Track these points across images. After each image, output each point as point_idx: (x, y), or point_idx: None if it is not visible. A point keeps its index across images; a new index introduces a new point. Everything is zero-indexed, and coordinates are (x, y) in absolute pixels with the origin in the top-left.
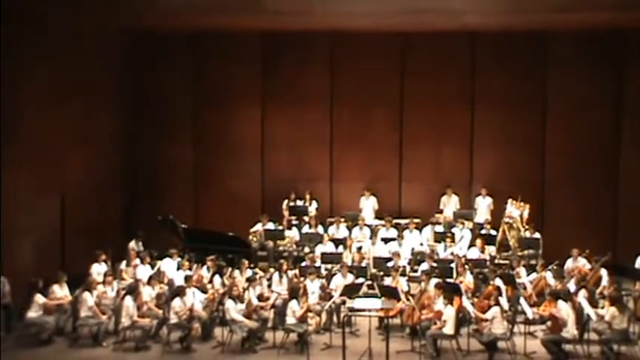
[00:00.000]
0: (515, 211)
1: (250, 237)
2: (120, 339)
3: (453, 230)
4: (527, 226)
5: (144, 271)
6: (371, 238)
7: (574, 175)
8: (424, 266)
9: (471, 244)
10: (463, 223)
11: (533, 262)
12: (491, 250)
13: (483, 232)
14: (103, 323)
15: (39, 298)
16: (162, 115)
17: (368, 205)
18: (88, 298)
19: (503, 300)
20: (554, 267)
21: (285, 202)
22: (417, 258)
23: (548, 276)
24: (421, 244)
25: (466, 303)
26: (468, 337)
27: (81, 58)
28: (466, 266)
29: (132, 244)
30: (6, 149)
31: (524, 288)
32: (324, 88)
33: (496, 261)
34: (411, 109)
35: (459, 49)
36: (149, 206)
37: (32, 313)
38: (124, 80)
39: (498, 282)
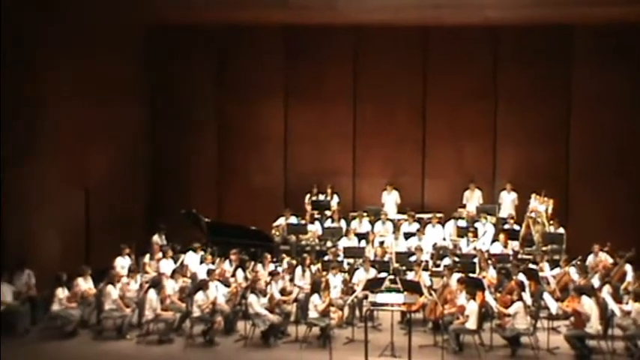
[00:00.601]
0: (541, 205)
1: (273, 231)
2: (143, 332)
3: (476, 225)
4: (551, 222)
5: (167, 265)
6: (393, 232)
7: (598, 170)
8: (447, 261)
9: (494, 239)
10: (486, 218)
11: (556, 257)
12: (514, 245)
13: (506, 227)
14: (126, 316)
15: (60, 292)
16: (185, 109)
17: (390, 199)
18: (112, 292)
19: (526, 295)
20: (578, 262)
21: (308, 196)
22: (439, 253)
23: (572, 271)
24: (444, 239)
25: (489, 298)
26: (491, 332)
27: (105, 53)
28: (489, 261)
29: (155, 237)
30: (31, 144)
31: (548, 283)
32: (347, 83)
33: (519, 256)
34: (433, 104)
35: (481, 44)
36: (172, 200)
37: (55, 307)
38: (148, 75)
39: (521, 277)
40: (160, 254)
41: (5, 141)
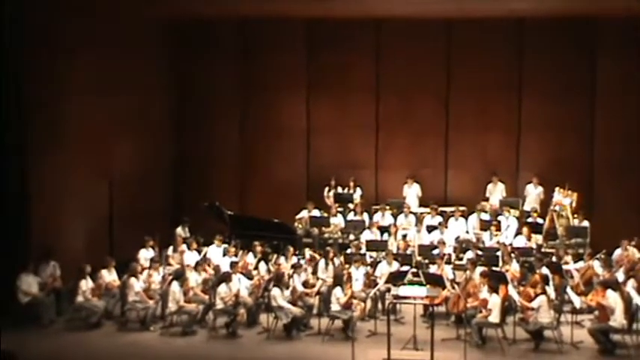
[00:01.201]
0: (565, 199)
1: (295, 224)
2: (167, 323)
3: (499, 218)
4: (575, 215)
5: (191, 257)
6: (416, 225)
7: (623, 163)
8: (469, 254)
9: (518, 233)
10: (509, 211)
11: (580, 250)
12: (537, 238)
13: (530, 220)
14: (150, 308)
15: (84, 284)
16: (209, 102)
17: (411, 192)
18: (135, 284)
19: (549, 289)
20: (602, 256)
21: (326, 189)
22: (462, 246)
23: (596, 265)
24: (466, 232)
25: (512, 291)
26: (514, 326)
27: (128, 46)
28: (512, 254)
29: (179, 230)
30: (56, 136)
31: (572, 277)
32: (370, 75)
33: (542, 249)
34: (456, 96)
35: (506, 36)
36: (196, 193)
37: (80, 298)
38: (172, 67)
39: (545, 271)
40: (184, 246)
41: (31, 133)
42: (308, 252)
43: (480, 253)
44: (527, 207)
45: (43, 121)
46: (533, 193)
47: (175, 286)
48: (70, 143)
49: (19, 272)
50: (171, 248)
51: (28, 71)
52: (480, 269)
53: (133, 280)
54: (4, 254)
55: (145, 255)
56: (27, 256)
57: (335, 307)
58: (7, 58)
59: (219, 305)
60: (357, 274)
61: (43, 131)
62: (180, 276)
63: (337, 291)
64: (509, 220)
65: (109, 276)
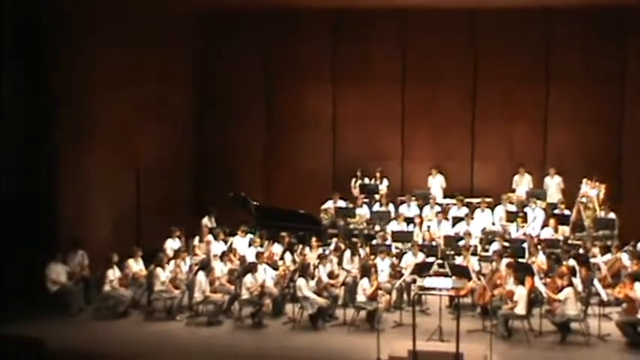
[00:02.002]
0: (592, 190)
1: (321, 214)
2: (193, 313)
3: (526, 210)
4: (602, 207)
5: (217, 248)
6: (437, 215)
7: None
8: (495, 246)
9: (544, 224)
10: (536, 203)
11: (608, 243)
12: (564, 230)
13: (557, 212)
14: (176, 298)
15: (112, 274)
16: (234, 93)
17: (435, 183)
18: (161, 274)
19: (576, 281)
20: (630, 248)
21: (353, 180)
22: (488, 237)
23: (624, 257)
24: (493, 224)
25: (538, 283)
26: (540, 318)
27: (152, 38)
28: (538, 246)
29: (205, 220)
30: (85, 127)
31: (599, 269)
32: (396, 65)
33: (569, 241)
34: (483, 86)
35: (533, 26)
36: (221, 183)
37: (107, 287)
38: (197, 59)
39: (572, 262)
40: (210, 237)
41: (58, 126)
42: (334, 242)
43: (506, 244)
44: (551, 199)
45: (70, 114)
46: (552, 184)
47: (201, 276)
48: (96, 135)
49: (48, 261)
50: (197, 238)
51: (53, 65)
52: (506, 261)
53: (159, 270)
54: (34, 244)
55: (172, 245)
56: (56, 246)
57: (360, 297)
58: (33, 53)
59: (245, 295)
60: (383, 265)
61: (70, 124)
62: (206, 266)
63: (364, 282)
64: (535, 212)
65: (136, 266)
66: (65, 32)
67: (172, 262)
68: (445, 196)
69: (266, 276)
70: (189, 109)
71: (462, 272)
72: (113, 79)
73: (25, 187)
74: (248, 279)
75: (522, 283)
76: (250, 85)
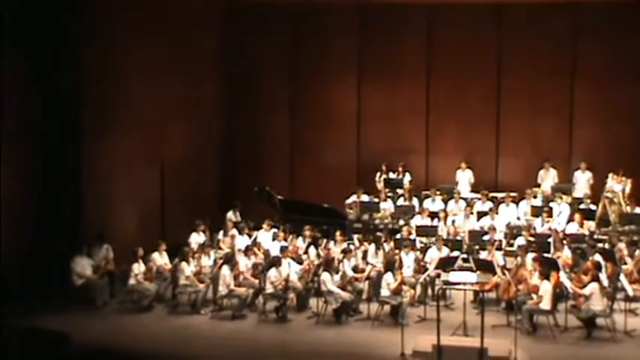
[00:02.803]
0: (617, 185)
1: (345, 209)
2: (217, 307)
3: (551, 205)
4: (628, 202)
5: (242, 242)
6: (464, 210)
7: None
8: (520, 240)
9: (570, 219)
10: (561, 198)
11: (635, 238)
12: (590, 225)
13: (582, 206)
14: (200, 292)
15: (136, 268)
16: (259, 86)
17: (464, 178)
18: (185, 268)
19: (602, 276)
20: None
21: (378, 174)
22: (513, 232)
23: None
24: (518, 219)
25: (563, 278)
26: (566, 313)
27: (181, 32)
28: (564, 241)
29: (229, 214)
30: (109, 120)
31: (625, 264)
32: (421, 59)
33: (595, 236)
34: (508, 80)
35: (559, 19)
36: (246, 177)
37: (132, 281)
38: (223, 52)
39: (597, 258)
40: (234, 231)
41: (85, 117)
42: (357, 237)
43: (531, 239)
44: (578, 193)
45: (96, 107)
46: (582, 179)
47: (226, 270)
48: (121, 128)
49: (74, 255)
50: (221, 232)
51: (79, 57)
52: (531, 255)
53: (184, 264)
54: (60, 237)
55: (196, 239)
56: (81, 239)
57: (385, 292)
58: (59, 45)
59: (269, 289)
60: (407, 259)
61: (95, 117)
62: (230, 260)
63: (388, 276)
64: (561, 207)
65: (161, 259)
66: (90, 24)
67: (197, 256)
68: (471, 191)
69: (290, 270)
70: (216, 102)
71: (487, 267)
72: (138, 71)
73: (51, 182)
74: (272, 273)
75: (547, 278)
76: (276, 77)
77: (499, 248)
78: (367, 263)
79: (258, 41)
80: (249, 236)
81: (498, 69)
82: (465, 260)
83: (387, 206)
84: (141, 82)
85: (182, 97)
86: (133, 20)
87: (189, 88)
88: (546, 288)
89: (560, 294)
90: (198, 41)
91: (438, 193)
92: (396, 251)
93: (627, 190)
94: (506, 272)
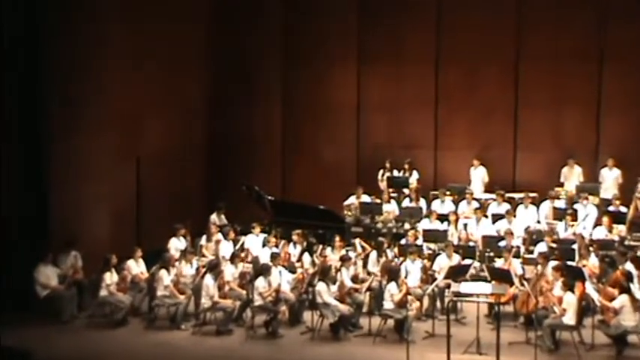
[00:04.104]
0: None
1: (344, 211)
2: (199, 321)
3: (576, 206)
4: None
5: (226, 248)
6: (476, 212)
7: None
8: (541, 247)
9: (597, 223)
10: (587, 199)
11: None
12: (620, 229)
13: (611, 209)
14: (180, 304)
15: (109, 277)
16: (248, 76)
17: (477, 176)
18: (164, 277)
19: (634, 287)
20: None
21: (381, 172)
22: (532, 237)
23: None
24: (538, 222)
25: (590, 289)
26: (593, 329)
27: (162, 16)
28: (590, 248)
29: (213, 217)
30: (79, 113)
31: None
32: (429, 43)
33: (626, 242)
34: (527, 66)
35: None
36: (233, 176)
37: (104, 292)
38: (208, 39)
39: (629, 266)
40: (219, 236)
41: (52, 109)
42: (358, 243)
43: (553, 245)
44: (606, 194)
45: (64, 97)
46: (609, 177)
47: (209, 279)
48: (92, 122)
49: (38, 263)
50: (204, 237)
51: (46, 40)
52: (552, 264)
53: (162, 272)
54: (21, 243)
55: (176, 245)
56: (46, 245)
57: (388, 304)
58: (25, 26)
59: (258, 301)
60: (413, 267)
61: (63, 109)
62: (214, 268)
63: (391, 287)
64: (587, 209)
65: (136, 268)
66: (65, 6)
67: (177, 264)
68: (485, 191)
69: (282, 280)
70: (200, 92)
71: (503, 276)
72: (114, 57)
73: (12, 181)
74: (261, 283)
75: (572, 289)
76: (266, 66)
77: (517, 255)
78: (368, 272)
79: (248, 25)
80: (236, 242)
81: (517, 53)
82: (479, 269)
83: (390, 208)
84: (115, 71)
85: (161, 87)
86: (108, 7)
87: (169, 77)
88: (570, 300)
89: (586, 307)
90: (181, 26)
91: (448, 193)
92: (401, 258)
93: None
94: (524, 283)
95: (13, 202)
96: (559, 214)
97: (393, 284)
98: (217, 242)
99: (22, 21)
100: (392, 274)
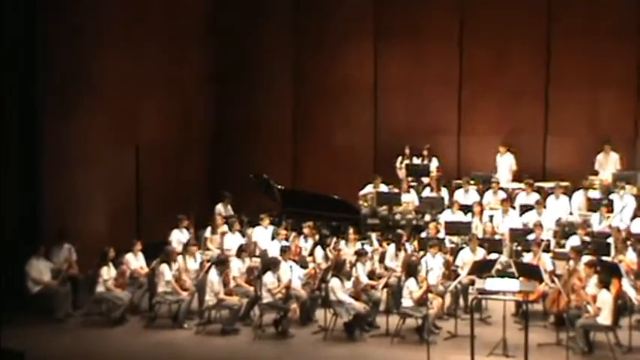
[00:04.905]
0: None
1: (359, 201)
2: (204, 320)
3: (612, 197)
4: None
5: (233, 240)
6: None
7: None
8: (574, 241)
9: (635, 215)
10: (624, 188)
11: None
12: None
13: None
14: (183, 301)
15: (106, 272)
16: (254, 55)
17: (504, 163)
18: (166, 271)
19: None
20: None
21: (399, 159)
22: (564, 230)
23: None
24: (570, 214)
25: (627, 287)
26: (630, 330)
27: None
28: (628, 241)
29: (219, 207)
30: (74, 95)
31: None
32: (453, 18)
33: None
34: (560, 44)
35: None
36: (239, 163)
37: (100, 288)
38: (212, 16)
39: None
40: (225, 227)
41: (42, 91)
42: (374, 236)
43: (586, 239)
44: None
45: (58, 78)
46: None
47: (214, 275)
48: (87, 105)
49: (29, 257)
50: (209, 229)
51: (35, 19)
52: (586, 259)
53: (164, 266)
54: (12, 235)
55: (178, 237)
56: (38, 238)
57: (407, 302)
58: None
59: (267, 299)
60: (434, 262)
61: (56, 92)
62: (220, 263)
63: (411, 283)
64: (624, 199)
65: (136, 262)
66: None
67: (179, 258)
68: (512, 180)
69: (292, 275)
70: (204, 73)
71: (532, 272)
72: (112, 34)
73: (2, 170)
74: (269, 279)
75: (607, 286)
76: (275, 45)
77: (547, 250)
78: (385, 268)
79: (254, 2)
80: (243, 234)
81: (548, 29)
82: (505, 264)
83: (409, 198)
84: (112, 50)
85: (161, 68)
86: None
87: (170, 57)
88: (605, 299)
89: (622, 306)
90: (182, 2)
91: (472, 182)
92: (421, 253)
93: None
94: (555, 279)
95: (9, 197)
96: (593, 205)
97: (412, 280)
98: (223, 234)
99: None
100: (411, 269)
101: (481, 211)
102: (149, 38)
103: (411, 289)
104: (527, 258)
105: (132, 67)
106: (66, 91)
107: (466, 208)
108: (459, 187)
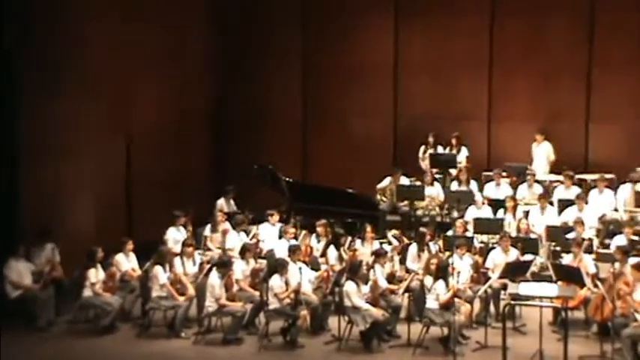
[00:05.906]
0: None
1: (377, 196)
2: (203, 328)
3: None
4: None
5: (237, 240)
6: (539, 198)
7: None
8: (619, 240)
9: None
10: None
11: None
12: None
13: None
14: (180, 307)
15: (94, 274)
16: (261, 36)
17: (540, 153)
18: (160, 274)
19: None
20: None
21: (422, 148)
22: (608, 228)
23: None
24: (615, 210)
25: None
26: None
27: None
28: None
29: (220, 202)
30: (58, 77)
31: None
32: None
33: None
34: (604, 18)
35: None
36: (243, 154)
37: (87, 292)
38: None
39: None
40: (226, 225)
41: (24, 73)
42: (393, 234)
43: (634, 238)
44: None
45: (39, 61)
46: None
47: (215, 278)
48: (73, 89)
49: (8, 258)
50: (209, 227)
51: None
52: (633, 261)
53: (158, 268)
54: None
55: (175, 236)
56: (18, 237)
57: (432, 303)
58: None
59: (273, 304)
60: (462, 264)
61: (38, 73)
62: (221, 264)
63: (439, 286)
64: None
65: (127, 263)
66: None
67: (176, 259)
68: (550, 172)
69: (302, 278)
70: (206, 55)
71: (572, 276)
72: (100, 13)
73: None
74: (277, 282)
75: None
76: (283, 25)
77: (589, 250)
78: (407, 270)
79: None
80: (247, 232)
81: (591, 2)
82: (542, 267)
83: (434, 192)
84: (101, 28)
85: (157, 49)
86: None
87: (167, 37)
88: None
89: None
90: None
91: (505, 174)
92: (447, 253)
93: None
94: (598, 283)
95: None
96: None
97: (441, 283)
98: (224, 233)
99: None
100: (442, 270)
101: (514, 207)
102: (143, 9)
103: (439, 292)
104: (567, 259)
105: (123, 47)
106: (48, 75)
107: (498, 204)
108: (490, 179)
